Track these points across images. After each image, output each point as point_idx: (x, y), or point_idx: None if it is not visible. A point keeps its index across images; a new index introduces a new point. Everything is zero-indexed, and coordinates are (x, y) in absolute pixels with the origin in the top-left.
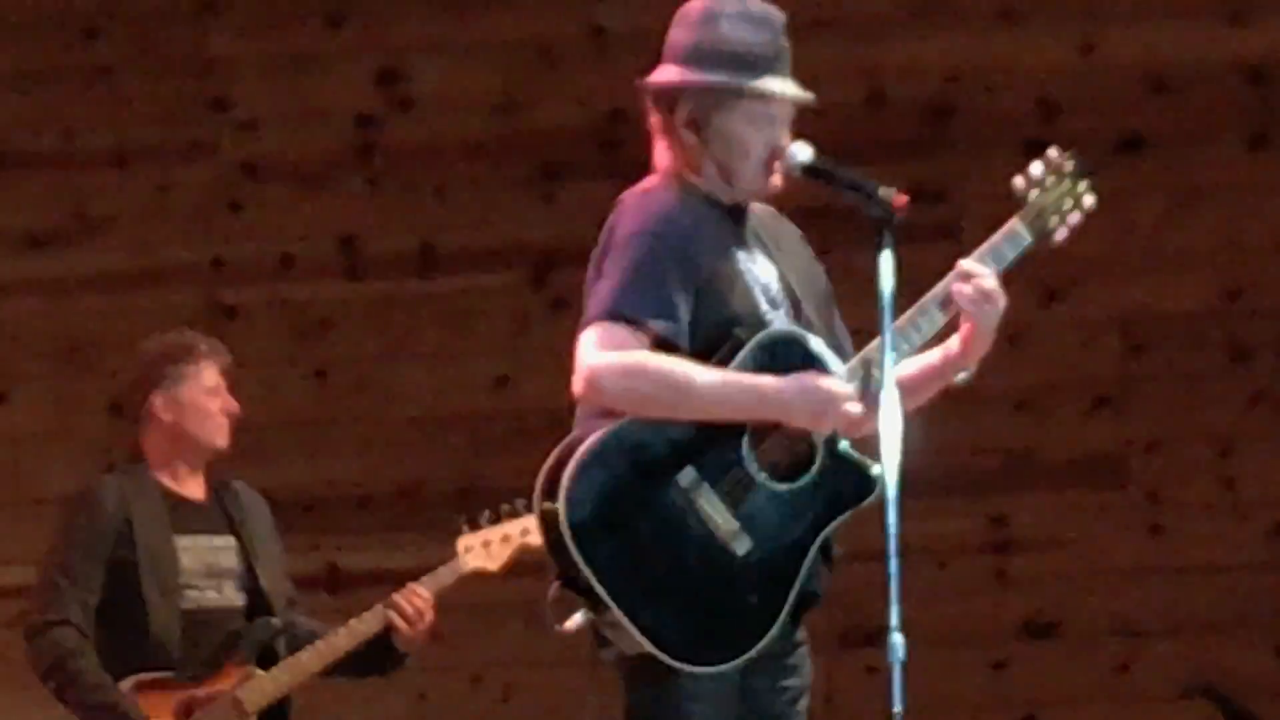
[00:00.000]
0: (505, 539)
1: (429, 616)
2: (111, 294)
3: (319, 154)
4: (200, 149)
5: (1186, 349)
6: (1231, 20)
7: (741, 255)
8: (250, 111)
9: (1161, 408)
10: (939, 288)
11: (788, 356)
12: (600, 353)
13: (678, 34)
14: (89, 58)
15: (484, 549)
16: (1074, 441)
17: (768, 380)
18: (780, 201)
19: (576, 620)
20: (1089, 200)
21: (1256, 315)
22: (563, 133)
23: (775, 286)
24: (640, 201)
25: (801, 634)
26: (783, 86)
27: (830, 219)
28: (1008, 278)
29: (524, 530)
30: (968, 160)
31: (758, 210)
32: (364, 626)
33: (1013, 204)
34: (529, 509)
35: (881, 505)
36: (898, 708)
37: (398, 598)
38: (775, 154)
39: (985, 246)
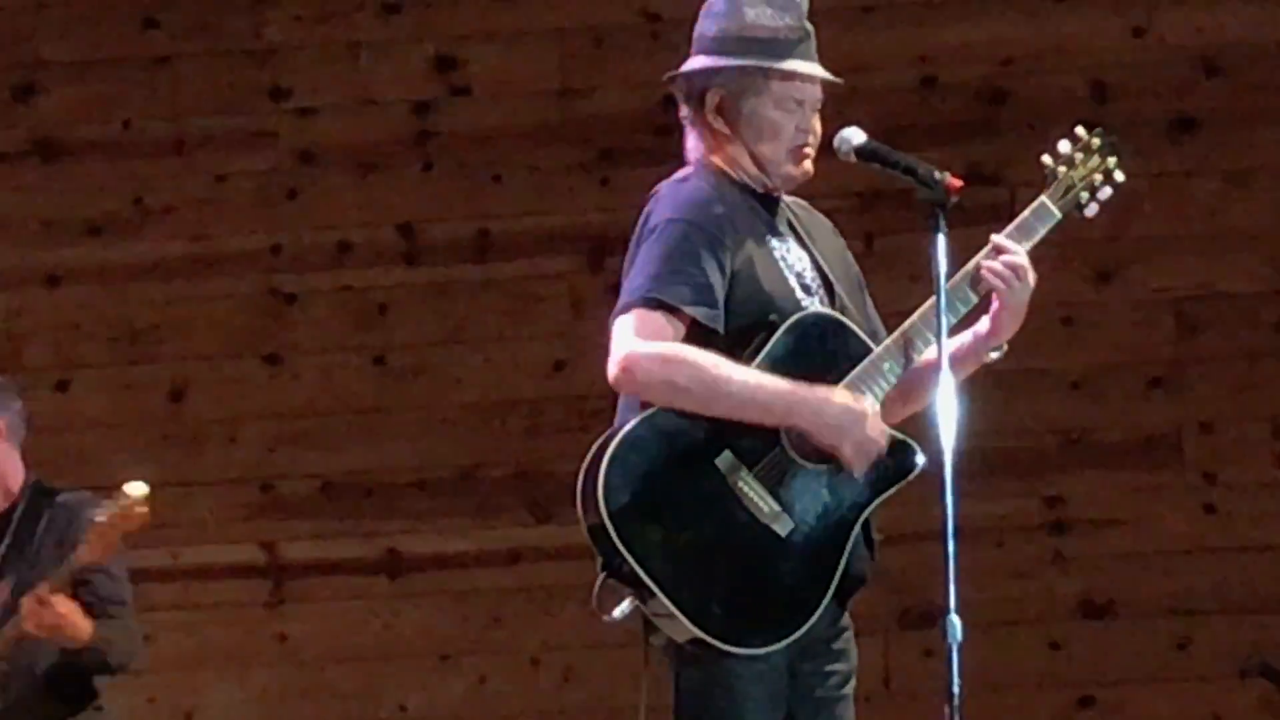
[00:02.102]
0: None
1: None
2: (171, 282)
3: (376, 141)
4: (258, 137)
5: (1241, 329)
6: None
7: (775, 242)
8: (308, 99)
9: (1216, 387)
10: (970, 265)
11: (823, 337)
12: (636, 340)
13: (703, 25)
14: (148, 47)
15: None
16: (1129, 422)
17: (802, 388)
18: (829, 186)
19: (624, 608)
20: (1120, 175)
21: None
22: (618, 118)
23: (809, 273)
24: (674, 190)
25: (847, 618)
26: (809, 68)
27: (881, 203)
28: (1061, 260)
29: None
30: (1021, 143)
31: (790, 201)
32: None
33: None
34: None
35: (936, 486)
36: (956, 689)
37: None
38: (805, 133)
39: (1015, 223)
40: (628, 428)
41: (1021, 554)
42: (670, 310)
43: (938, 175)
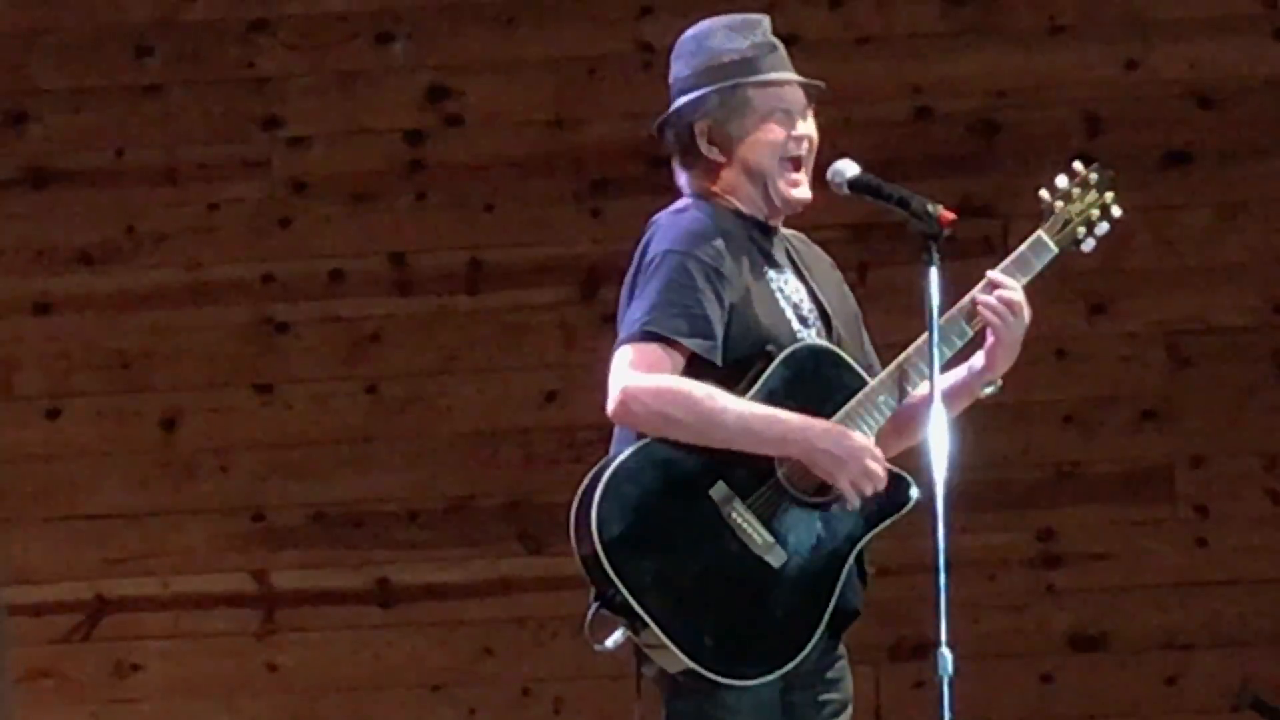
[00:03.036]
0: None
1: None
2: (163, 310)
3: (369, 170)
4: (251, 166)
5: (1233, 362)
6: (1276, 35)
7: (773, 273)
8: (300, 128)
9: (1208, 421)
10: (965, 299)
11: (818, 368)
12: (634, 373)
13: (675, 69)
14: (140, 75)
15: None
16: (1121, 455)
17: (797, 419)
18: (824, 218)
19: (616, 638)
20: (1117, 211)
21: None
22: (611, 148)
23: (807, 305)
24: (672, 221)
25: (842, 648)
26: (784, 75)
27: (874, 235)
28: (1053, 292)
29: None
30: (1014, 175)
31: (788, 233)
32: None
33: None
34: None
35: (927, 518)
36: None
37: None
38: (800, 145)
39: (1011, 258)
40: (621, 458)
41: (1013, 587)
42: (667, 343)
43: (931, 207)
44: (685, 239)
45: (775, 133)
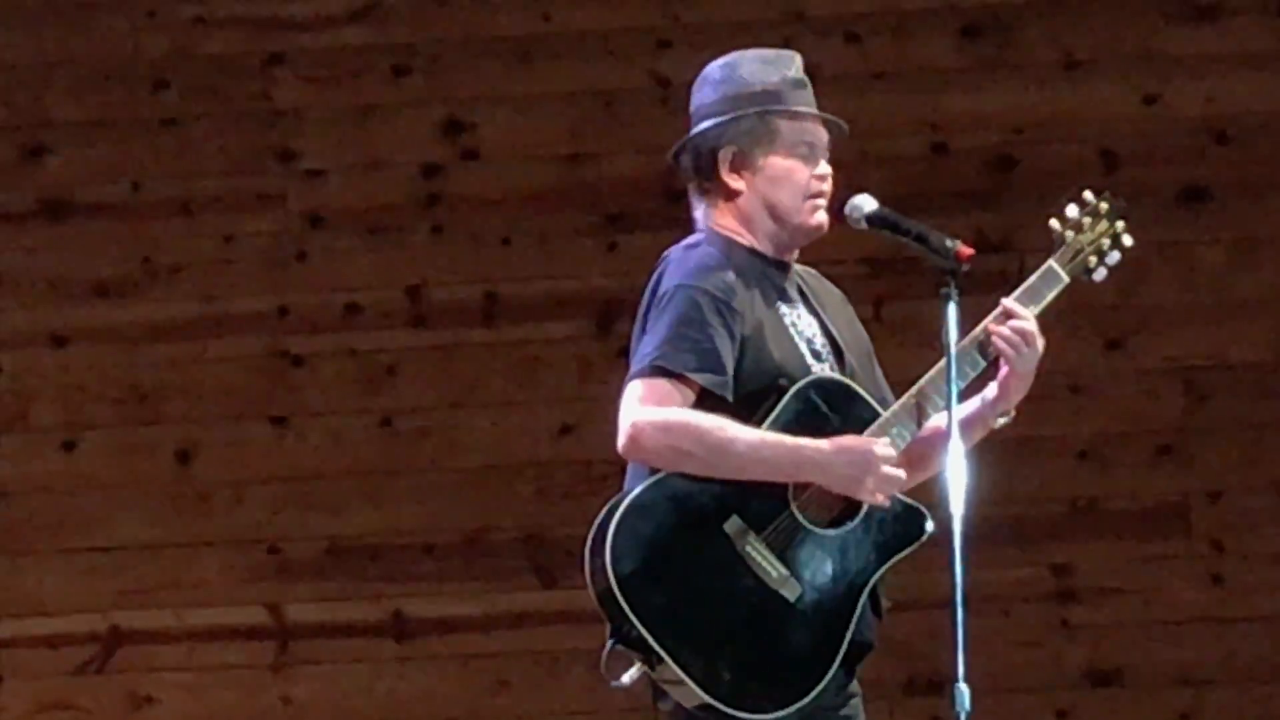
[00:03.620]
0: None
1: None
2: (179, 343)
3: (385, 203)
4: (267, 199)
5: (1249, 399)
6: None
7: (785, 308)
8: (316, 161)
9: (1224, 457)
10: (978, 330)
11: (831, 401)
12: (643, 408)
13: (701, 94)
14: (156, 108)
15: None
16: (1137, 491)
17: (808, 442)
18: (841, 252)
19: (632, 674)
20: (1128, 240)
21: None
22: (627, 182)
23: (819, 339)
24: (684, 256)
25: (855, 685)
26: (812, 110)
27: (891, 269)
28: (1069, 327)
29: None
30: (1031, 211)
31: (800, 269)
32: None
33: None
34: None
35: (944, 553)
36: None
37: None
38: (820, 179)
39: (1022, 288)
40: (635, 493)
41: (1029, 622)
42: (677, 378)
43: (948, 243)
44: (696, 274)
45: (799, 168)
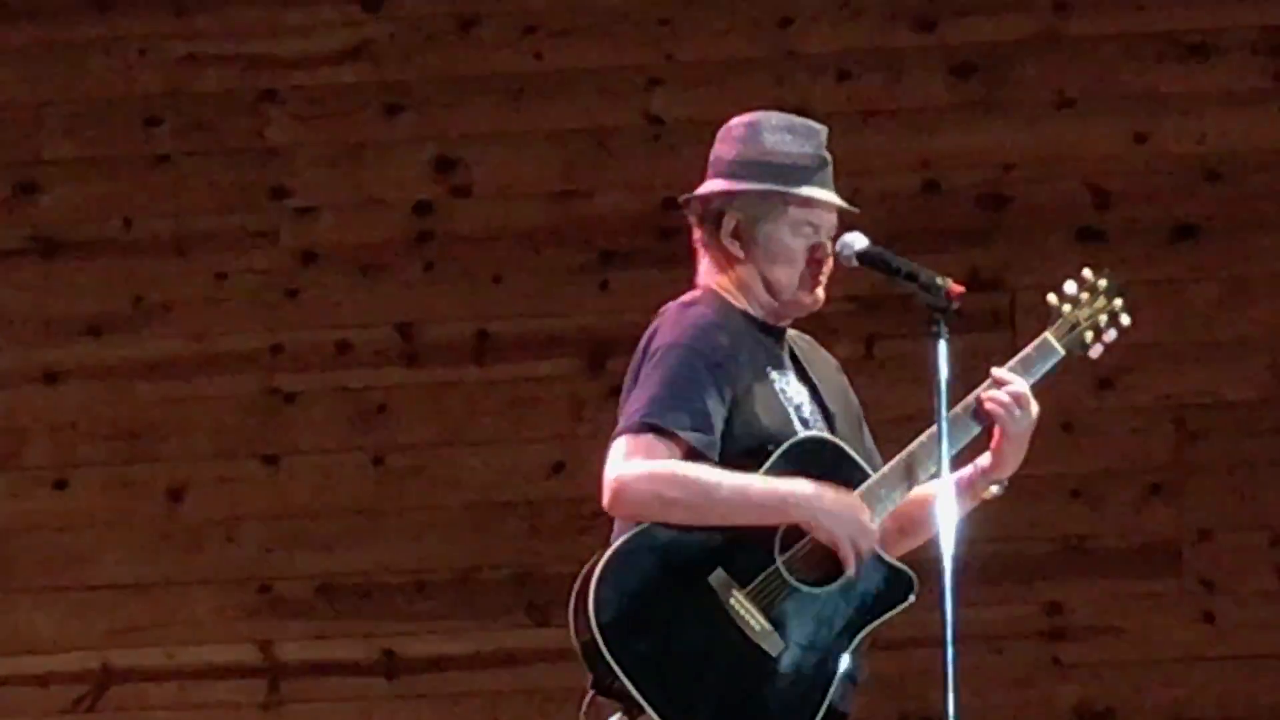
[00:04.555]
0: None
1: None
2: (170, 380)
3: (377, 241)
4: (259, 236)
5: (1241, 437)
6: None
7: (775, 374)
8: (308, 199)
9: (1216, 496)
10: (970, 398)
11: (819, 459)
12: (626, 462)
13: (722, 149)
14: (149, 145)
15: None
16: (1128, 529)
17: (793, 484)
18: (832, 290)
19: None
20: (1126, 320)
21: None
22: (618, 220)
23: (808, 406)
24: (680, 314)
25: None
26: (826, 195)
27: (882, 308)
28: (1065, 366)
29: None
30: (1022, 248)
31: (793, 334)
32: None
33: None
34: None
35: (935, 591)
36: None
37: None
38: (819, 263)
39: (1017, 358)
40: (620, 542)
41: (1020, 661)
42: (667, 435)
43: (939, 281)
44: (690, 333)
45: (799, 247)
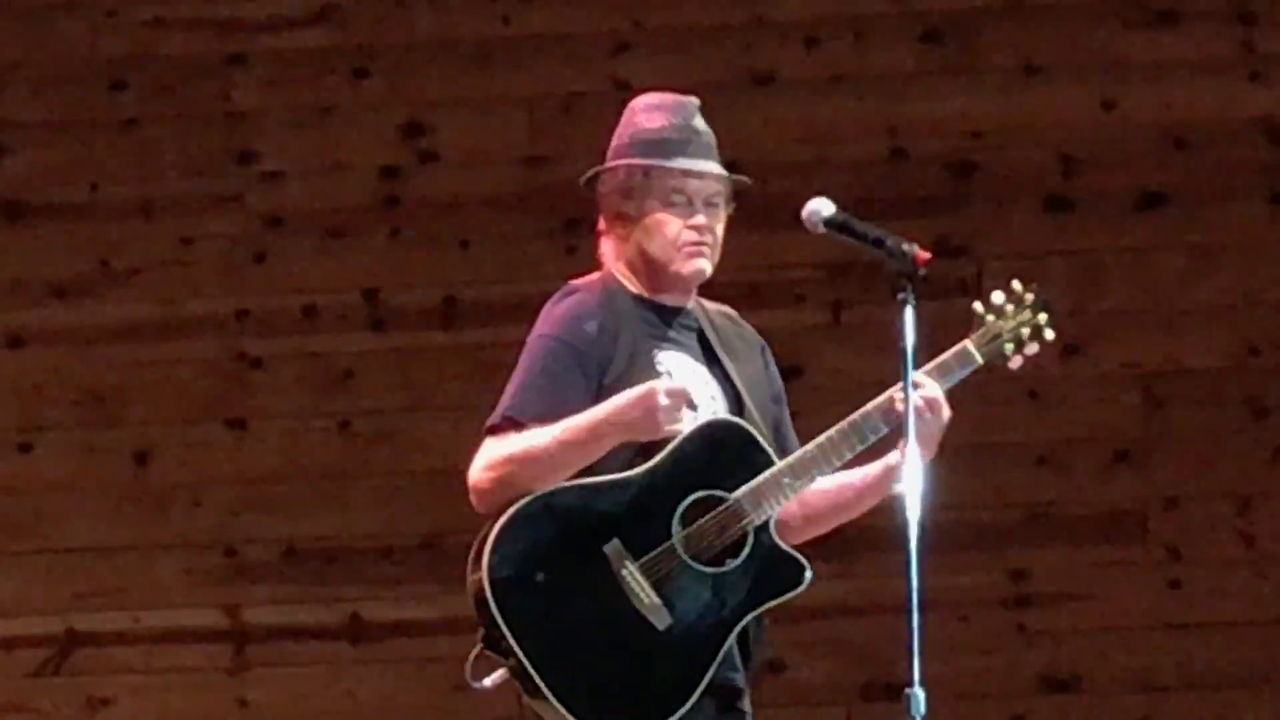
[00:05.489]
0: None
1: None
2: (136, 345)
3: (343, 206)
4: (225, 201)
5: (1207, 405)
6: (1252, 78)
7: (662, 355)
8: (275, 163)
9: (1181, 463)
10: (883, 397)
11: (725, 445)
12: (478, 463)
13: (613, 137)
14: (116, 110)
15: None
16: (1094, 496)
17: (596, 410)
18: (799, 256)
19: (494, 677)
20: (1050, 334)
21: (1277, 372)
22: None
23: (706, 387)
24: (553, 306)
25: None
26: (691, 164)
27: (849, 274)
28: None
29: None
30: (989, 216)
31: (711, 312)
32: None
33: (1032, 263)
34: None
35: (900, 558)
36: None
37: None
38: (697, 231)
39: (935, 363)
40: (521, 503)
41: (985, 628)
42: (525, 428)
43: (906, 247)
44: (558, 323)
45: (670, 221)
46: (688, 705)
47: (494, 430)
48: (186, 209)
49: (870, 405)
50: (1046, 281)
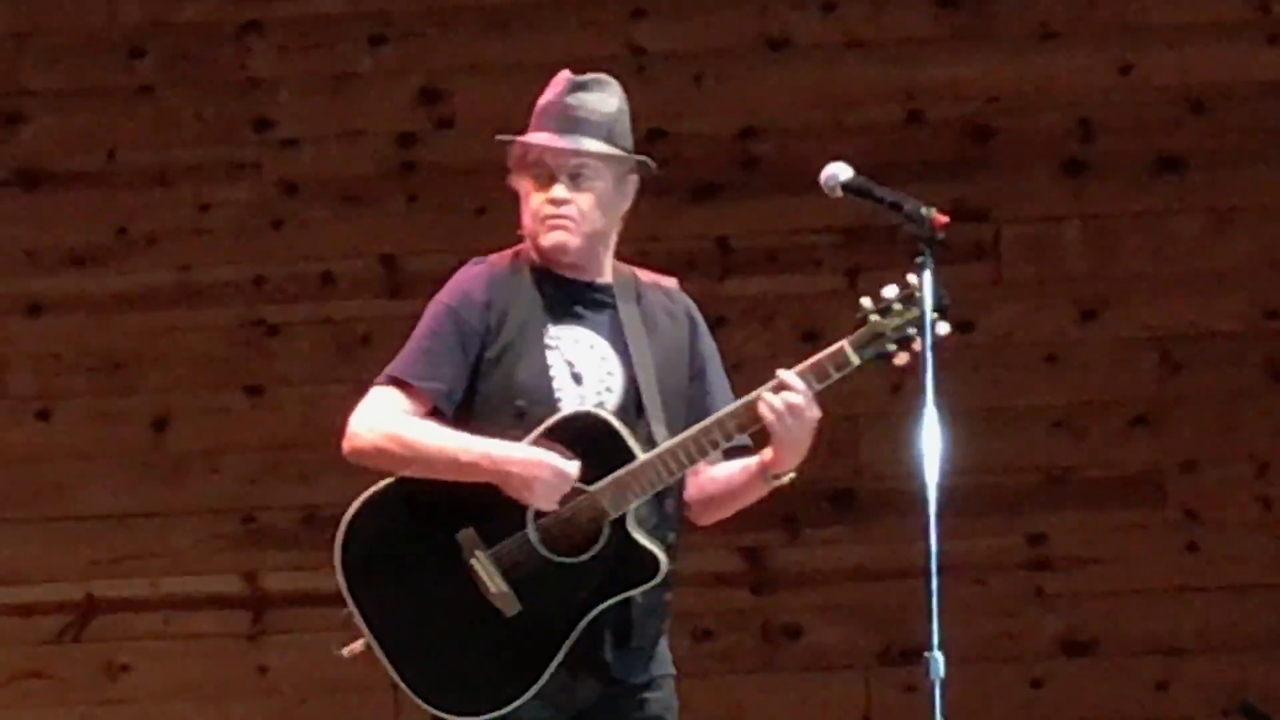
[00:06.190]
0: None
1: None
2: (153, 312)
3: (360, 172)
4: (242, 168)
5: (1224, 368)
6: (1270, 40)
7: (556, 329)
8: (292, 130)
9: (1199, 426)
10: (751, 395)
11: (586, 438)
12: (362, 412)
13: None
14: (132, 77)
15: None
16: (1112, 460)
17: (489, 445)
18: (817, 221)
19: (354, 647)
20: (944, 329)
21: None
22: None
23: (593, 364)
24: (458, 273)
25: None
26: (541, 138)
27: (867, 239)
28: (1045, 297)
29: None
30: (1007, 180)
31: (646, 286)
32: None
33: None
34: None
35: (918, 523)
36: None
37: None
38: (552, 208)
39: (809, 362)
40: (380, 486)
41: (1003, 591)
42: (407, 388)
43: (924, 211)
44: (451, 292)
45: (533, 195)
46: (525, 696)
47: (379, 385)
48: (204, 176)
49: (737, 402)
50: (1064, 245)
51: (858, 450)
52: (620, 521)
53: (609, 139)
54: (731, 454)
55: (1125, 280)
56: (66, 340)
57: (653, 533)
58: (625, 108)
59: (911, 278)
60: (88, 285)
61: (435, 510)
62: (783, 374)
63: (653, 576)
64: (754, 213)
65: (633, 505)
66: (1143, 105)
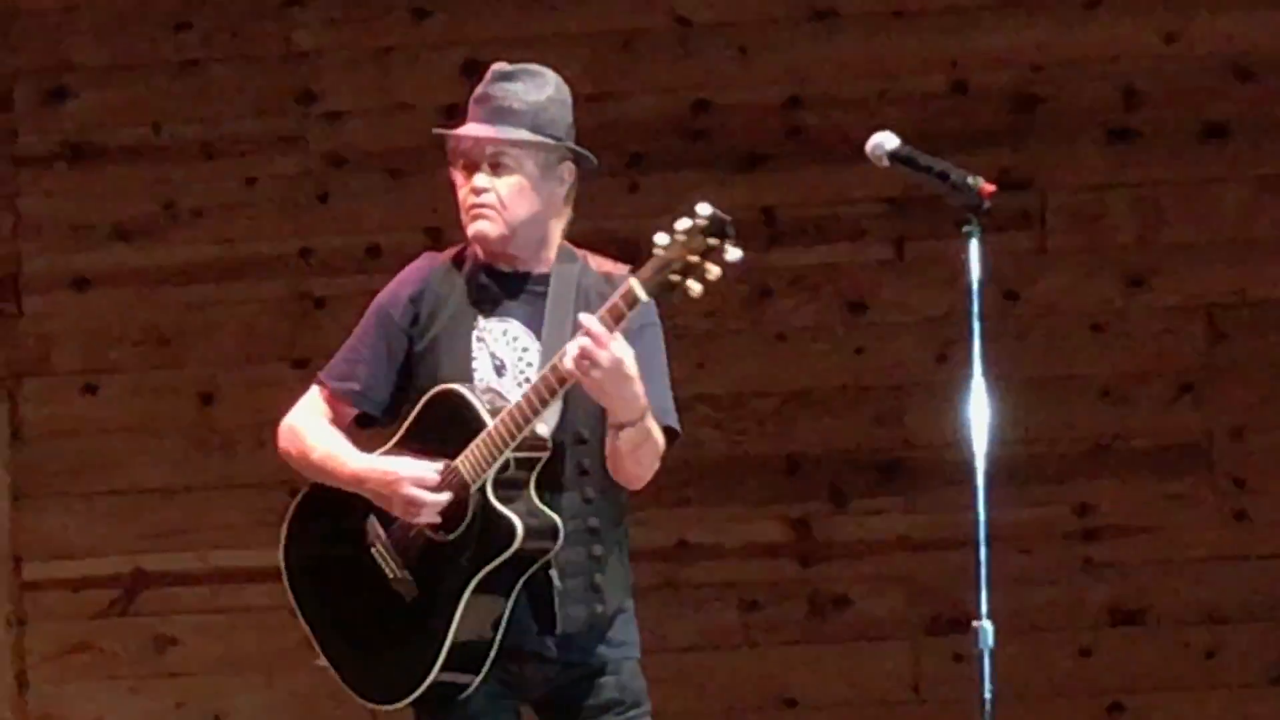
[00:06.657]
0: None
1: None
2: (200, 285)
3: (405, 145)
4: (288, 141)
5: (1271, 335)
6: None
7: (485, 322)
8: (337, 103)
9: (1246, 394)
10: (571, 344)
11: (447, 411)
12: (290, 413)
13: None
14: (178, 51)
15: None
16: (1159, 428)
17: (359, 464)
18: (863, 191)
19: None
20: (733, 254)
21: None
22: (647, 123)
23: (515, 355)
24: (402, 271)
25: (612, 693)
26: (463, 130)
27: (913, 208)
28: (1091, 266)
29: None
30: (1052, 149)
31: (592, 275)
32: None
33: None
34: None
35: (966, 493)
36: (987, 694)
37: None
38: (474, 197)
39: (605, 304)
40: (310, 484)
41: (1051, 561)
42: (326, 387)
43: (970, 180)
44: (387, 289)
45: (459, 185)
46: (433, 674)
47: (315, 383)
48: (249, 149)
49: (552, 361)
50: (1109, 214)
51: (904, 420)
52: (482, 490)
53: (534, 127)
54: None
55: (1171, 248)
56: (113, 315)
57: (572, 494)
58: (561, 98)
59: (701, 206)
60: (134, 259)
61: (350, 504)
62: (584, 318)
63: (509, 545)
64: (800, 183)
65: (490, 473)
66: (1188, 73)
